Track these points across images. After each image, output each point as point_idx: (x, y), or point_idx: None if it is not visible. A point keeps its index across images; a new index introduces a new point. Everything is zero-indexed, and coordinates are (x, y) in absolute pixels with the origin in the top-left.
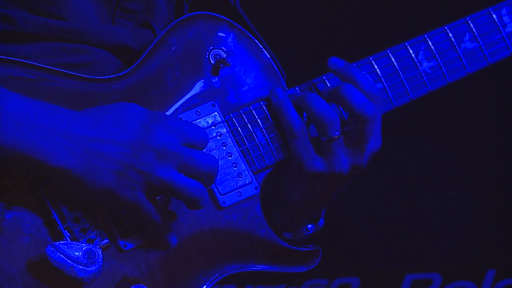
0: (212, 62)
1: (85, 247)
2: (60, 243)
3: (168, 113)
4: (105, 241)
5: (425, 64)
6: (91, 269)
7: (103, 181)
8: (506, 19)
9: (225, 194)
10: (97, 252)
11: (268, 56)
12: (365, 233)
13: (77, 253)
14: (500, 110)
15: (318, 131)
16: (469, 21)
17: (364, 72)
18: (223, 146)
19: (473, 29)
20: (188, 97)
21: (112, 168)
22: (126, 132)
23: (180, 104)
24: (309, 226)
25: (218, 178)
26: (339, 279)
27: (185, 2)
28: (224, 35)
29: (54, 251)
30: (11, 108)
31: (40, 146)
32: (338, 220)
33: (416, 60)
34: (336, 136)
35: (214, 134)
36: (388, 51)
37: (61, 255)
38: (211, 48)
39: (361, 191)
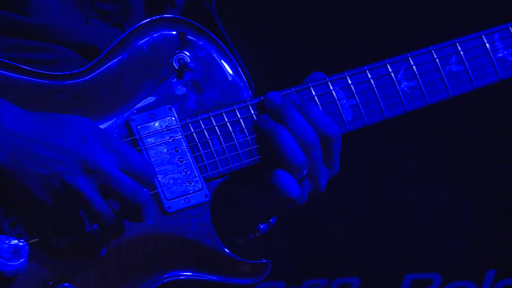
0: (176, 66)
1: (10, 241)
2: None
3: (119, 113)
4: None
5: (404, 84)
6: (14, 263)
7: (25, 181)
8: (498, 44)
9: (171, 199)
10: (23, 248)
11: (237, 64)
12: (365, 233)
13: (1, 246)
14: (500, 109)
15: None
16: (457, 44)
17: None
18: (175, 150)
19: (461, 52)
20: (144, 100)
21: (37, 170)
22: (63, 138)
23: (134, 105)
24: (261, 226)
25: (165, 182)
26: (339, 279)
27: (170, 6)
28: (191, 39)
29: None
30: None
31: None
32: (338, 220)
33: (395, 79)
34: (304, 175)
35: (167, 138)
36: (366, 68)
37: None
38: (175, 51)
39: (360, 191)
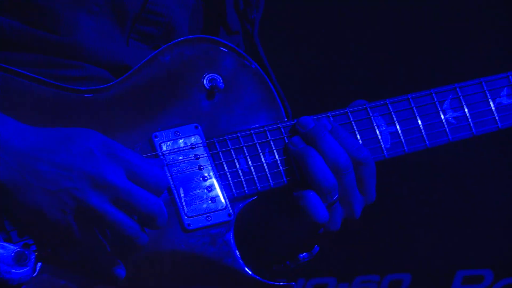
0: (207, 86)
1: (16, 249)
2: None
3: (143, 129)
4: None
5: (450, 114)
6: (18, 272)
7: (34, 199)
8: None
9: (192, 216)
10: (29, 257)
11: (272, 88)
12: (416, 230)
13: (5, 254)
14: None
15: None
16: (510, 77)
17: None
18: (199, 168)
19: None
20: (170, 117)
21: (45, 187)
22: (69, 154)
23: (159, 123)
24: (300, 256)
25: (186, 200)
26: (390, 275)
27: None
28: (224, 60)
29: None
30: None
31: None
32: (389, 216)
33: (439, 108)
34: (335, 199)
35: (191, 156)
36: (409, 96)
37: None
38: (208, 72)
39: (413, 187)
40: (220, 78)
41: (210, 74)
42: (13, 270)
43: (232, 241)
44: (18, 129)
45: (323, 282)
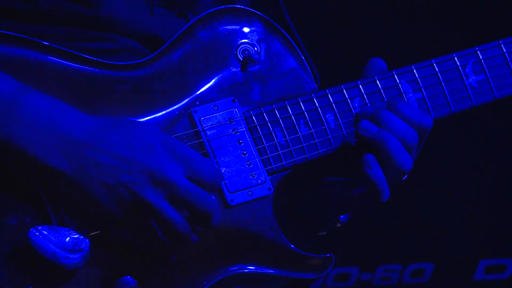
0: (240, 57)
1: (71, 234)
2: (45, 227)
3: (182, 104)
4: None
5: (472, 78)
6: (75, 256)
7: (92, 191)
8: None
9: (234, 192)
10: (84, 241)
11: (302, 56)
12: (439, 219)
13: (61, 239)
14: None
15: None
16: None
17: (403, 81)
18: (238, 143)
19: None
20: (207, 91)
21: (104, 179)
22: (130, 147)
23: (197, 96)
24: (341, 217)
25: (228, 175)
26: (413, 265)
27: None
28: (256, 30)
29: (37, 235)
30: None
31: (35, 145)
32: (412, 205)
33: (462, 73)
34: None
35: (230, 130)
36: (433, 61)
37: (44, 239)
38: (240, 42)
39: (435, 177)
40: (252, 49)
41: (243, 45)
42: (71, 255)
43: (272, 215)
44: (79, 118)
45: (346, 271)
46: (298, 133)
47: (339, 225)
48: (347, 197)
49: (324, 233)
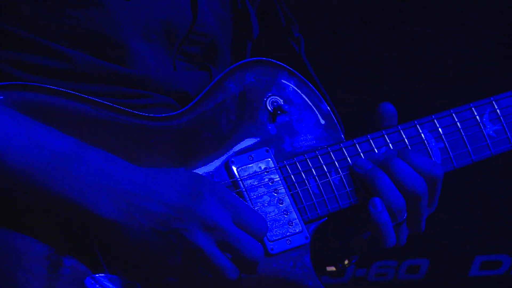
0: (270, 108)
1: (125, 281)
2: (100, 275)
3: (219, 155)
4: None
5: (489, 127)
6: None
7: (144, 239)
8: None
9: (274, 241)
10: (137, 287)
11: (327, 107)
12: (434, 215)
13: (116, 286)
14: None
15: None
16: None
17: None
18: (275, 193)
19: None
20: (242, 141)
21: (155, 227)
22: (179, 195)
23: (233, 147)
24: (352, 257)
25: (268, 224)
26: (408, 261)
27: (248, 40)
28: (283, 82)
29: (93, 283)
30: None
31: (86, 196)
32: None
33: (479, 122)
34: (404, 219)
35: (266, 180)
36: (452, 111)
37: (100, 287)
38: (269, 94)
39: None
40: (281, 100)
41: (272, 97)
42: None
43: (310, 263)
44: (127, 169)
45: None
46: (330, 183)
47: (347, 265)
48: (355, 240)
49: (333, 269)
